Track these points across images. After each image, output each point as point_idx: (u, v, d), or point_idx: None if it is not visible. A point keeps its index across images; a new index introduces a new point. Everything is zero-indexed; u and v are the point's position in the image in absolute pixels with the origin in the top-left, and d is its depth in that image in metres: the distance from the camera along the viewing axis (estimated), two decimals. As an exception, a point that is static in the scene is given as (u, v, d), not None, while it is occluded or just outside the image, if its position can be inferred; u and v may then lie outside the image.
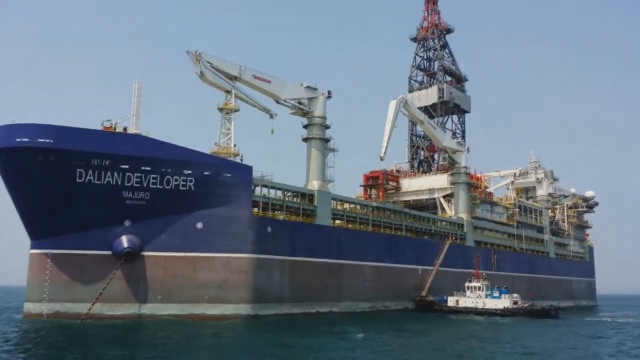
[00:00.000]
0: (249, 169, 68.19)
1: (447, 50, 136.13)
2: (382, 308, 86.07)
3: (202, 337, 48.91)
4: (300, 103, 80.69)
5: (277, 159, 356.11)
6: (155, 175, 61.43)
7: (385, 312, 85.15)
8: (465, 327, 67.21)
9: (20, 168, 57.33)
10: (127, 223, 61.65)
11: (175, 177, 62.36)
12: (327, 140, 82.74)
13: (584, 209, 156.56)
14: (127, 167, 60.04)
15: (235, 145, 72.16)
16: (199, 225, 64.05)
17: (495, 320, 78.00)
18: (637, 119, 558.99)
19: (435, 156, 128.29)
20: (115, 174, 59.80)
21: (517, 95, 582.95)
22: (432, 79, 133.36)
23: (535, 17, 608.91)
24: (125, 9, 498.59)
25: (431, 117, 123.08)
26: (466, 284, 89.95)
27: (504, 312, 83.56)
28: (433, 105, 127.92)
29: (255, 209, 68.70)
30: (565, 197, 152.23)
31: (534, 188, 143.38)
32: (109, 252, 61.10)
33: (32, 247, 61.61)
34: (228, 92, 72.71)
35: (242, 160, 71.14)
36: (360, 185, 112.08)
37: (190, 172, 62.94)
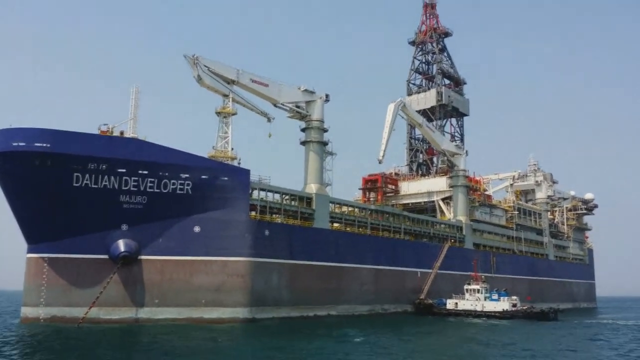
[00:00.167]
0: (246, 172, 68.12)
1: (445, 54, 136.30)
2: (380, 311, 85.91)
3: (199, 341, 48.75)
4: (298, 106, 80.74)
5: (275, 163, 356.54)
6: (152, 179, 61.38)
7: (384, 315, 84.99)
8: (464, 330, 66.99)
9: (17, 172, 57.21)
10: (124, 227, 61.57)
11: (172, 181, 62.32)
12: (325, 144, 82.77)
13: (584, 211, 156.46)
14: (124, 171, 59.99)
15: (232, 149, 72.20)
16: (197, 229, 63.97)
17: (494, 323, 77.79)
18: (637, 121, 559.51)
19: (434, 159, 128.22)
20: (112, 178, 59.75)
21: (516, 99, 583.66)
22: (430, 83, 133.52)
23: (534, 19, 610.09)
24: (122, 10, 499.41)
25: (430, 120, 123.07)
26: (465, 287, 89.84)
27: (503, 315, 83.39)
28: (432, 109, 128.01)
29: (253, 213, 68.60)
30: (565, 199, 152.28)
31: (533, 191, 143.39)
32: (106, 256, 60.99)
33: (29, 251, 61.43)
34: (225, 95, 72.73)
35: (239, 163, 71.11)
36: (359, 189, 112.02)
37: (187, 175, 62.88)
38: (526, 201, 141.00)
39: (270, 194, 73.08)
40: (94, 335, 50.99)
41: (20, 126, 57.28)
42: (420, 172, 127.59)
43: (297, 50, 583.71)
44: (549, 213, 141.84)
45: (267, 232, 68.78)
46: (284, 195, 75.45)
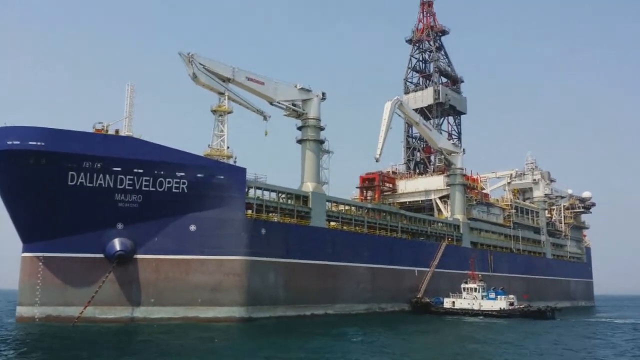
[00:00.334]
0: (242, 170, 67.87)
1: (442, 52, 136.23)
2: (377, 310, 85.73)
3: (195, 341, 48.53)
4: (294, 105, 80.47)
5: (271, 161, 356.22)
6: (147, 178, 61.08)
7: (381, 314, 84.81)
8: (461, 329, 66.90)
9: (11, 171, 56.85)
10: (119, 226, 61.27)
11: (168, 180, 62.03)
12: (321, 142, 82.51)
13: (581, 209, 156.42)
14: (119, 169, 59.67)
15: (228, 147, 71.88)
16: (192, 227, 63.72)
17: (491, 321, 77.66)
18: (636, 119, 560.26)
19: (432, 157, 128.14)
20: (108, 176, 59.43)
21: (513, 97, 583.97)
22: (427, 81, 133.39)
23: (532, 18, 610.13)
24: (119, 9, 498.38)
25: (427, 118, 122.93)
26: (462, 286, 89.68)
27: (500, 314, 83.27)
28: (429, 107, 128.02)
29: (249, 211, 68.36)
30: (562, 198, 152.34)
31: (530, 189, 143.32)
32: (101, 255, 60.69)
33: (24, 250, 61.11)
34: (221, 94, 72.41)
35: (235, 162, 70.80)
36: (357, 187, 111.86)
37: (183, 174, 62.60)
38: (524, 199, 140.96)
39: (266, 193, 72.81)
40: (90, 335, 50.75)
41: (15, 124, 56.96)
42: (417, 170, 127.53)
43: (293, 48, 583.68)
44: (546, 211, 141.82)
45: (263, 231, 68.53)
46: (280, 194, 75.20)
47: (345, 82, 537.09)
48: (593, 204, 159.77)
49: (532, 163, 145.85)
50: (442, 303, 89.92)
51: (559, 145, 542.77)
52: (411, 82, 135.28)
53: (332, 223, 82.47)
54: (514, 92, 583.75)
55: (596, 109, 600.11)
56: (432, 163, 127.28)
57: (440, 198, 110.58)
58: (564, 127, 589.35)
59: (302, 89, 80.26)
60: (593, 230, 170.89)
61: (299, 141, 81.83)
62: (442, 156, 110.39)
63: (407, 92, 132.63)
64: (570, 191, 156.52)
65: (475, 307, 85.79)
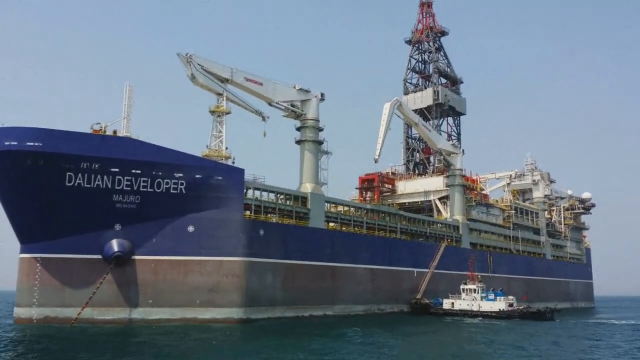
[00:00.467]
0: (240, 171, 67.73)
1: (442, 53, 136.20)
2: (377, 311, 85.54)
3: (193, 342, 48.49)
4: (293, 105, 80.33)
5: (269, 162, 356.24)
6: (145, 179, 61.00)
7: (380, 316, 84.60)
8: (460, 330, 66.77)
9: (8, 172, 56.76)
10: (117, 227, 61.18)
11: (166, 180, 61.94)
12: (320, 143, 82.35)
13: (581, 210, 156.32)
14: (117, 170, 59.60)
15: (227, 148, 71.78)
16: (191, 228, 63.59)
17: (490, 322, 77.48)
18: (635, 120, 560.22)
19: (431, 158, 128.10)
20: (105, 177, 59.36)
21: (513, 98, 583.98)
22: (427, 82, 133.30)
23: (532, 19, 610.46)
24: (116, 8, 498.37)
25: (426, 119, 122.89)
26: (461, 287, 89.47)
27: (499, 315, 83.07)
28: (428, 108, 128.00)
29: (248, 212, 68.20)
30: (562, 198, 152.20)
31: (530, 190, 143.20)
32: (99, 256, 60.57)
33: (22, 251, 61.01)
34: (219, 94, 72.26)
35: (234, 162, 70.73)
36: (356, 188, 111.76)
37: (181, 175, 62.51)
38: (523, 200, 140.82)
39: (265, 194, 72.66)
40: (87, 336, 50.70)
41: (12, 125, 56.86)
42: (417, 171, 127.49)
43: (292, 49, 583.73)
44: (546, 212, 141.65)
45: (261, 232, 68.39)
46: (278, 195, 75.02)
47: (345, 83, 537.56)
48: (593, 205, 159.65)
49: (532, 164, 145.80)
50: (442, 304, 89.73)
51: (559, 146, 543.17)
52: (410, 83, 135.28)
53: (331, 224, 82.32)
54: (513, 92, 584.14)
55: (596, 110, 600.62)
56: (431, 164, 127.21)
57: (439, 199, 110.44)
58: (563, 127, 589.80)
59: (300, 89, 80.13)
60: (593, 231, 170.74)
61: (298, 142, 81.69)
62: (442, 157, 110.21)
63: (406, 92, 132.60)
64: (570, 192, 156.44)
65: (475, 308, 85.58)
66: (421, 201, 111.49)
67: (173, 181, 62.22)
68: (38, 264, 60.01)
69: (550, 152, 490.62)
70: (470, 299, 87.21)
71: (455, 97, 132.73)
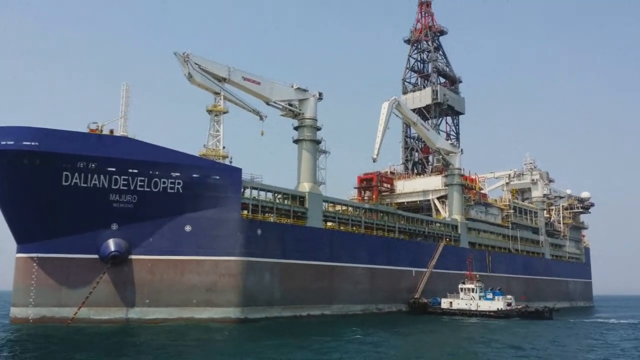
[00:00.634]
0: (238, 171, 67.60)
1: (440, 52, 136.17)
2: (375, 311, 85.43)
3: (191, 342, 48.31)
4: (290, 105, 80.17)
5: (267, 161, 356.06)
6: (142, 178, 60.88)
7: (378, 315, 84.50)
8: (457, 330, 66.64)
9: (5, 171, 56.64)
10: (114, 226, 61.07)
11: (163, 180, 61.81)
12: (318, 142, 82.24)
13: (580, 209, 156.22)
14: (113, 169, 59.48)
15: (224, 147, 71.63)
16: (188, 228, 63.47)
17: (488, 322, 77.38)
18: (634, 119, 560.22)
19: (430, 158, 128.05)
20: (102, 176, 59.23)
21: (512, 97, 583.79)
22: (426, 81, 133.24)
23: (532, 18, 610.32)
24: (113, 7, 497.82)
25: (425, 118, 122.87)
26: (459, 286, 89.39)
27: (497, 314, 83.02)
28: (427, 107, 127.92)
29: (245, 212, 68.05)
30: (561, 198, 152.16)
31: (529, 189, 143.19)
32: (95, 256, 60.46)
33: (18, 251, 60.86)
34: (217, 93, 72.14)
35: (231, 162, 70.59)
36: (355, 187, 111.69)
37: (178, 174, 62.38)
38: (522, 200, 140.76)
39: (262, 193, 72.57)
40: (84, 336, 50.53)
41: (8, 125, 56.72)
42: (415, 170, 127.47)
43: (290, 48, 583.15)
44: (545, 212, 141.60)
45: (259, 231, 68.26)
46: (276, 194, 74.89)
47: (343, 82, 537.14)
48: (592, 204, 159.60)
49: (531, 163, 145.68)
50: (440, 303, 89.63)
51: (558, 145, 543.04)
52: (409, 82, 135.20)
53: (329, 223, 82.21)
54: (512, 92, 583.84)
55: (595, 109, 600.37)
56: (430, 163, 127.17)
57: (438, 198, 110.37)
58: (562, 127, 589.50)
59: (298, 89, 80.00)
60: (592, 231, 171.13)
61: (296, 141, 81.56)
62: (440, 156, 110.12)
63: (405, 92, 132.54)
64: (569, 191, 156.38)
65: (473, 308, 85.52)
66: (420, 200, 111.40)
67: (170, 180, 62.08)
68: (35, 264, 59.85)
69: (549, 151, 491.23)
70: (468, 299, 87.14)
71: (454, 97, 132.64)
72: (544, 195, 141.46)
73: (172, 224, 63.04)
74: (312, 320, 71.57)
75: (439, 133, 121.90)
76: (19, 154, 55.78)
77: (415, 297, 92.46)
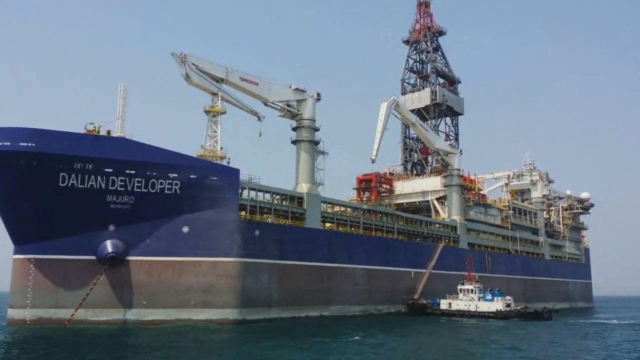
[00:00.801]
0: (236, 171, 67.37)
1: (439, 53, 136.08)
2: (373, 312, 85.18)
3: (188, 343, 48.13)
4: (288, 105, 79.94)
5: (265, 162, 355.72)
6: (139, 179, 60.64)
7: (377, 316, 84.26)
8: (456, 331, 66.43)
9: (1, 172, 56.33)
10: (111, 227, 60.81)
11: (160, 181, 61.59)
12: (316, 143, 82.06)
13: (580, 210, 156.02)
14: (111, 170, 59.23)
15: (222, 148, 71.51)
16: (185, 229, 63.25)
17: (487, 323, 77.16)
18: (634, 120, 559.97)
19: (429, 158, 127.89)
20: (99, 177, 58.98)
21: (512, 98, 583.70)
22: (425, 82, 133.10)
23: (531, 18, 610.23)
24: (111, 6, 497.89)
25: (424, 119, 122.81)
26: (459, 287, 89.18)
27: (496, 315, 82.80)
28: (426, 108, 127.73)
29: (243, 213, 67.83)
30: (561, 198, 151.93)
31: (528, 190, 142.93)
32: (93, 257, 60.18)
33: (15, 252, 60.51)
34: (214, 94, 71.97)
35: (229, 163, 70.41)
36: (354, 188, 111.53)
37: (175, 175, 62.15)
38: (522, 200, 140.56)
39: (260, 194, 72.33)
40: (81, 338, 50.28)
41: (5, 125, 56.49)
42: (414, 171, 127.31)
43: (288, 48, 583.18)
44: (544, 212, 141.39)
45: (257, 232, 68.03)
46: (274, 195, 74.68)
47: (342, 83, 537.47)
48: (592, 205, 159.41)
49: (531, 164, 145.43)
50: (439, 304, 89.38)
51: (558, 146, 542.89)
52: (408, 83, 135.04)
53: (328, 224, 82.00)
54: (511, 92, 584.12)
55: (595, 110, 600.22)
56: (429, 164, 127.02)
57: (437, 199, 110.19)
58: (562, 127, 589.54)
59: (296, 89, 79.79)
60: (592, 231, 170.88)
61: (294, 142, 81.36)
62: (439, 157, 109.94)
63: (404, 92, 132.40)
64: (568, 192, 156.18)
65: (472, 309, 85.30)
66: (419, 201, 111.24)
67: (167, 181, 61.89)
68: (32, 265, 59.57)
69: (549, 152, 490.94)
70: (467, 300, 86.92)
71: (453, 97, 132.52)
72: (544, 196, 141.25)
73: (169, 225, 62.81)
74: (310, 322, 71.32)
75: (438, 134, 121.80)
76: (15, 155, 55.49)
77: (414, 298, 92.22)
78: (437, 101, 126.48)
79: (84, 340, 48.65)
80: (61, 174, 57.49)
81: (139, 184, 60.71)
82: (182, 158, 63.42)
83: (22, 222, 59.22)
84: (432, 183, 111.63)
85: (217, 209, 64.58)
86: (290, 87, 79.34)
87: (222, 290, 63.64)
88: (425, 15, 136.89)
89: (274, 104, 78.21)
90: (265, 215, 71.53)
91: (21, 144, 55.61)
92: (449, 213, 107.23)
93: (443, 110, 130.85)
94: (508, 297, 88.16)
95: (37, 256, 59.59)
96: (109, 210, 60.26)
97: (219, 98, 71.82)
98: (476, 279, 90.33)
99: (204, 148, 71.16)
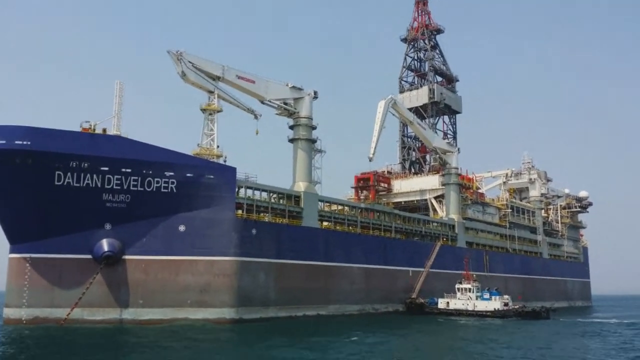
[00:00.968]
0: (232, 170, 67.12)
1: (437, 51, 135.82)
2: (371, 311, 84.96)
3: (185, 342, 47.90)
4: (285, 103, 79.67)
5: (262, 160, 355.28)
6: (135, 177, 60.38)
7: (374, 315, 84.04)
8: (454, 330, 66.29)
9: (-3, 171, 56.12)
10: (107, 226, 60.53)
11: (156, 179, 61.33)
12: (313, 141, 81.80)
13: (578, 209, 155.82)
14: (106, 169, 58.98)
15: (218, 147, 71.23)
16: (182, 228, 62.97)
17: (485, 322, 77.00)
18: (633, 119, 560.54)
19: (427, 157, 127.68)
20: (95, 176, 58.72)
21: (510, 96, 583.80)
22: (422, 80, 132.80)
23: (529, 17, 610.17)
24: (108, 7, 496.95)
25: (422, 118, 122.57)
26: (456, 286, 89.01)
27: (494, 314, 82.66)
28: (424, 106, 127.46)
29: (240, 211, 67.58)
30: (559, 197, 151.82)
31: (527, 189, 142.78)
32: (89, 256, 59.93)
33: (11, 251, 60.29)
34: (211, 92, 71.68)
35: (225, 161, 70.18)
36: (352, 187, 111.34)
37: (172, 173, 61.91)
38: (520, 199, 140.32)
39: (257, 192, 72.06)
40: (77, 337, 50.22)
41: (0, 124, 56.20)
42: (412, 170, 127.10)
43: (286, 46, 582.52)
44: (543, 211, 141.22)
45: (254, 231, 67.75)
46: (271, 194, 74.42)
47: (340, 81, 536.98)
48: (590, 204, 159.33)
49: (529, 162, 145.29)
50: (437, 303, 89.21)
51: (556, 144, 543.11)
52: (406, 81, 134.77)
53: (325, 223, 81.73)
54: (510, 91, 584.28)
55: (593, 108, 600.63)
56: (427, 162, 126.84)
57: (435, 198, 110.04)
58: (560, 126, 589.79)
59: (293, 87, 79.50)
60: (590, 230, 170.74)
61: (291, 140, 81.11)
62: (437, 156, 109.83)
63: (402, 91, 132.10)
64: (567, 190, 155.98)
65: (470, 308, 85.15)
66: (417, 200, 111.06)
67: (164, 180, 61.61)
68: (27, 264, 59.30)
69: (547, 150, 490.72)
70: (465, 299, 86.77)
71: (451, 96, 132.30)
72: (542, 195, 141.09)
73: (166, 224, 62.53)
74: (307, 321, 71.07)
75: (435, 132, 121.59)
76: (10, 153, 55.21)
77: (412, 297, 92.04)
78: (435, 99, 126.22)
79: (80, 340, 48.49)
80: (57, 172, 57.26)
81: (135, 183, 60.45)
82: (178, 156, 63.15)
83: (17, 220, 58.98)
84: (430, 182, 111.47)
85: (214, 207, 64.30)
86: (287, 85, 79.07)
87: (218, 289, 63.38)
88: (423, 13, 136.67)
89: (270, 102, 77.95)
90: (262, 214, 71.25)
91: (16, 142, 55.40)
92: (447, 212, 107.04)
93: (441, 109, 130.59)
94: (506, 296, 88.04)
95: (32, 255, 59.33)
96: (105, 209, 59.98)
97: (216, 96, 71.52)
98: (474, 278, 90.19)
99: (201, 146, 70.87)
